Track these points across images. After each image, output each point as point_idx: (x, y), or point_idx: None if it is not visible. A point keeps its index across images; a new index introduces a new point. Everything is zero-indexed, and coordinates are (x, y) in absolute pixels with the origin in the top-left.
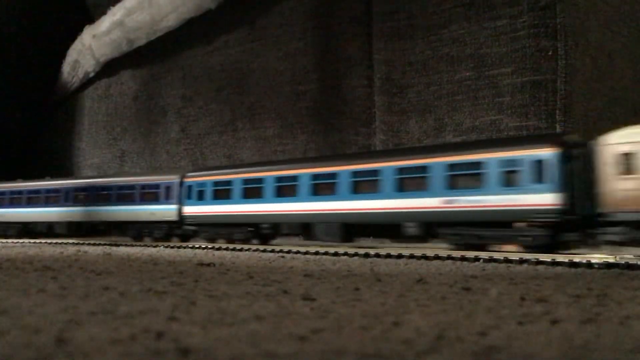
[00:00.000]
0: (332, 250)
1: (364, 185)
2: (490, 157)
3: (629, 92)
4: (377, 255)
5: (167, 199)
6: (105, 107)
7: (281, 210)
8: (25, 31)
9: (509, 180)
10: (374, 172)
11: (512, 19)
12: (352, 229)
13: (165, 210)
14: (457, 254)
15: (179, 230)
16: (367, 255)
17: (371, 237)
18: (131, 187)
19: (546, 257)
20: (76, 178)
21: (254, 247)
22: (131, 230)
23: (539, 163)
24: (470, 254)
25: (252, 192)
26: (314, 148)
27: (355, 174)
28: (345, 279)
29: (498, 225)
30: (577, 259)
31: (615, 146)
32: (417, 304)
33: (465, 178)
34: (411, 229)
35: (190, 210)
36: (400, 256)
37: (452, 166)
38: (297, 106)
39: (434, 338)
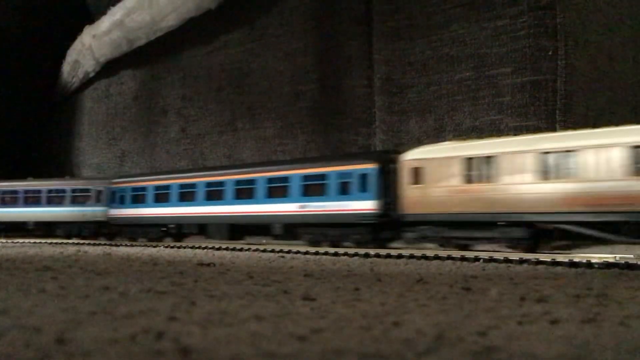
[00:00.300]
0: (332, 250)
1: (244, 193)
2: (331, 170)
3: (629, 92)
4: (377, 255)
5: (97, 202)
6: (105, 107)
7: (183, 213)
8: (25, 31)
9: (344, 189)
10: (251, 182)
11: (512, 19)
12: (237, 229)
13: (95, 212)
14: (457, 254)
15: (106, 229)
16: (367, 255)
17: (265, 237)
18: (62, 190)
19: (546, 257)
20: (8, 180)
21: (254, 247)
22: (62, 230)
23: (363, 176)
24: (470, 254)
25: (161, 197)
26: (314, 148)
27: (238, 182)
28: (345, 279)
29: (340, 226)
30: (577, 259)
31: (408, 162)
32: (417, 304)
33: (315, 187)
34: (277, 229)
35: (114, 212)
36: (400, 256)
37: (305, 177)
38: (297, 106)
39: (434, 338)
